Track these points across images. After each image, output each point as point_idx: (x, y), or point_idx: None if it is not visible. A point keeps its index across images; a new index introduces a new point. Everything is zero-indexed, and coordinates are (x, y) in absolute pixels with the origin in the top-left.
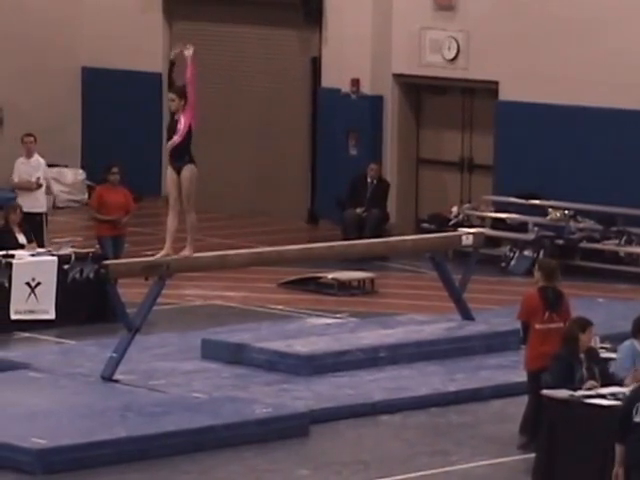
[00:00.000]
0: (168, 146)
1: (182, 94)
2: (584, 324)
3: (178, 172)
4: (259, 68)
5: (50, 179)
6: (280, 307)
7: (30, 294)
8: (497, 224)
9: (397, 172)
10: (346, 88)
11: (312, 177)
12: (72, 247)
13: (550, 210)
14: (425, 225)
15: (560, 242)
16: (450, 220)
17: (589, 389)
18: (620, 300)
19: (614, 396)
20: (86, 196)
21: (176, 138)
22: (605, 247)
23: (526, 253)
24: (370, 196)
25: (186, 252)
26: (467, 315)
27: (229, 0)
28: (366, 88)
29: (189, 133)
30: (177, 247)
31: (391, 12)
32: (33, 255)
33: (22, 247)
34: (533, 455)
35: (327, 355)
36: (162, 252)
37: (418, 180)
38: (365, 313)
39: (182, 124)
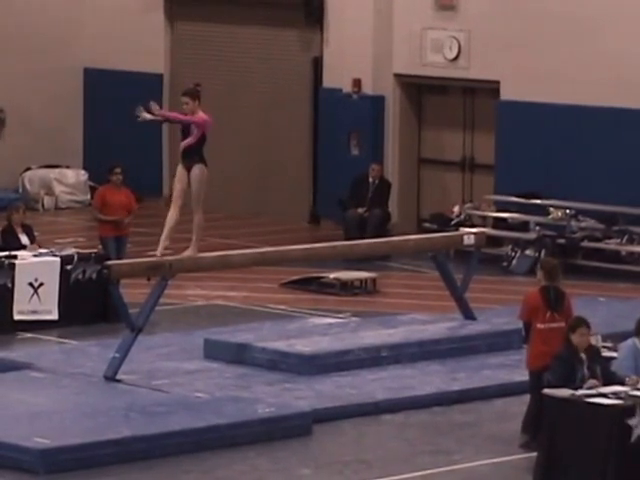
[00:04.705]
0: (181, 146)
1: (194, 96)
2: (574, 324)
3: (188, 170)
4: (260, 68)
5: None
6: (282, 307)
7: (33, 295)
8: (498, 224)
9: (398, 172)
10: (347, 88)
11: (314, 177)
12: (74, 247)
13: (551, 209)
14: (427, 225)
15: (561, 241)
16: (452, 220)
17: (590, 388)
18: (621, 299)
19: (616, 395)
20: (88, 197)
21: (190, 139)
22: (606, 246)
23: (527, 252)
24: (372, 196)
25: (189, 252)
26: (469, 314)
27: (231, 1)
28: (367, 88)
29: (203, 136)
30: (180, 247)
31: (392, 12)
32: (36, 256)
33: (24, 248)
34: (535, 454)
35: (329, 355)
36: (159, 248)
37: (419, 180)
38: (367, 313)
39: (197, 127)
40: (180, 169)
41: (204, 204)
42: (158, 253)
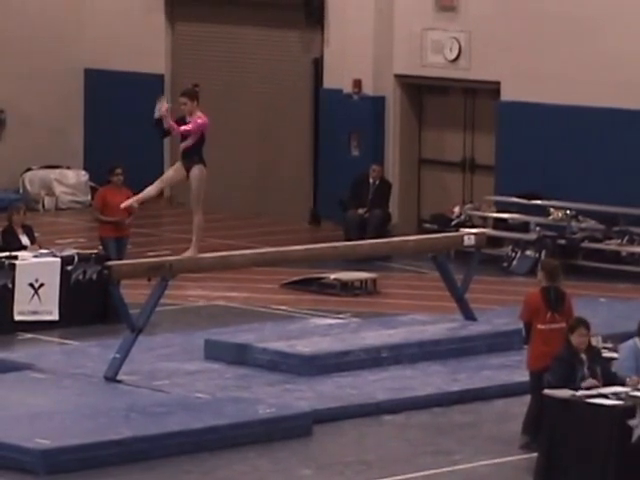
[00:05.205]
0: (181, 147)
1: (193, 97)
2: (573, 325)
3: (187, 171)
4: (261, 69)
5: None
6: (283, 307)
7: (33, 295)
8: (499, 224)
9: (399, 172)
10: (348, 89)
11: (314, 178)
12: (75, 248)
13: (552, 210)
14: (427, 225)
15: (562, 242)
16: (452, 220)
17: (589, 387)
18: (622, 300)
19: (616, 396)
20: (89, 197)
21: (189, 140)
22: (607, 247)
23: (528, 253)
24: (372, 197)
25: (189, 252)
26: (469, 315)
27: (231, 1)
28: (368, 89)
29: (202, 137)
30: (180, 248)
31: (393, 13)
32: (36, 256)
33: (25, 248)
34: (535, 455)
35: (330, 355)
36: (129, 200)
37: (420, 180)
38: (367, 313)
39: (195, 128)
40: (179, 164)
41: (204, 204)
42: (122, 205)
